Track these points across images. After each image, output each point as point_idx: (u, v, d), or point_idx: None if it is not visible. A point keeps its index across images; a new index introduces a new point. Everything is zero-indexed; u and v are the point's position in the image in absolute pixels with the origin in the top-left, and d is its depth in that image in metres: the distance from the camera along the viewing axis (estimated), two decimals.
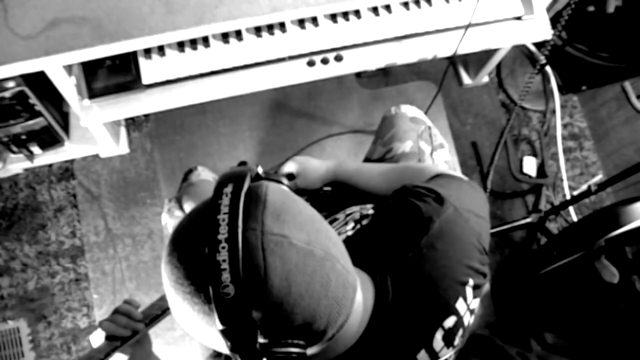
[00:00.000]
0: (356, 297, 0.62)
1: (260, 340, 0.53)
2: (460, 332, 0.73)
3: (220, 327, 0.51)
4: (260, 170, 0.69)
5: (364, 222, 0.85)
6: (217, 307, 0.51)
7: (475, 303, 0.76)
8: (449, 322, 0.71)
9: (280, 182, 0.68)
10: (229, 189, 0.55)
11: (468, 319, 0.74)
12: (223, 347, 0.54)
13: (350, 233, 0.84)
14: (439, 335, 0.70)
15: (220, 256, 0.51)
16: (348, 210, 0.91)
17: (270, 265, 0.52)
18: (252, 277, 0.51)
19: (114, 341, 0.83)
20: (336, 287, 0.56)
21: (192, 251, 0.55)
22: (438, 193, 0.78)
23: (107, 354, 0.81)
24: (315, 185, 1.11)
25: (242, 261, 0.51)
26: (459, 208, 0.77)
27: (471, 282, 0.74)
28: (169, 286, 0.56)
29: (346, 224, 0.87)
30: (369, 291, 0.68)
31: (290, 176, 1.12)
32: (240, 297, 0.50)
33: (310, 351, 0.61)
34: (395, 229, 0.77)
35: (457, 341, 0.73)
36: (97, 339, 0.84)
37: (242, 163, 0.68)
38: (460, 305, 0.72)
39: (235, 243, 0.51)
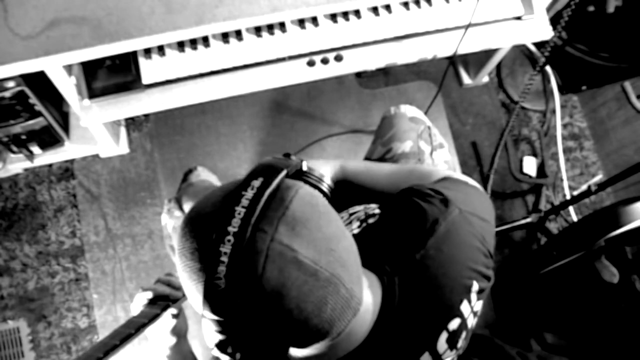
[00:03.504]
0: (362, 307, 0.61)
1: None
2: (464, 334, 0.73)
3: (209, 314, 0.52)
4: (305, 166, 0.67)
5: (370, 221, 0.85)
6: (206, 295, 0.52)
7: (478, 306, 0.76)
8: (454, 324, 0.71)
9: (320, 183, 0.67)
10: (257, 183, 0.55)
11: (472, 322, 0.74)
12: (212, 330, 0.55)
13: (356, 232, 0.84)
14: (443, 337, 0.70)
15: (224, 248, 0.51)
16: (351, 210, 0.91)
17: (267, 274, 0.51)
18: (245, 279, 0.51)
19: (160, 302, 0.82)
20: (332, 309, 0.55)
21: (203, 230, 0.55)
22: (443, 195, 0.78)
23: (155, 315, 0.79)
24: None
25: (242, 260, 0.51)
26: (463, 211, 0.77)
27: (476, 285, 0.74)
28: (177, 249, 0.57)
29: (350, 222, 0.87)
30: (377, 293, 0.68)
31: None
32: (228, 292, 0.51)
33: (306, 352, 0.61)
34: (402, 229, 0.77)
35: (460, 343, 0.73)
36: (138, 305, 0.82)
37: (286, 155, 0.67)
38: (464, 307, 0.72)
39: (242, 240, 0.51)
